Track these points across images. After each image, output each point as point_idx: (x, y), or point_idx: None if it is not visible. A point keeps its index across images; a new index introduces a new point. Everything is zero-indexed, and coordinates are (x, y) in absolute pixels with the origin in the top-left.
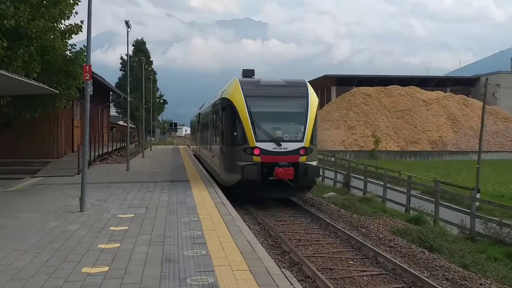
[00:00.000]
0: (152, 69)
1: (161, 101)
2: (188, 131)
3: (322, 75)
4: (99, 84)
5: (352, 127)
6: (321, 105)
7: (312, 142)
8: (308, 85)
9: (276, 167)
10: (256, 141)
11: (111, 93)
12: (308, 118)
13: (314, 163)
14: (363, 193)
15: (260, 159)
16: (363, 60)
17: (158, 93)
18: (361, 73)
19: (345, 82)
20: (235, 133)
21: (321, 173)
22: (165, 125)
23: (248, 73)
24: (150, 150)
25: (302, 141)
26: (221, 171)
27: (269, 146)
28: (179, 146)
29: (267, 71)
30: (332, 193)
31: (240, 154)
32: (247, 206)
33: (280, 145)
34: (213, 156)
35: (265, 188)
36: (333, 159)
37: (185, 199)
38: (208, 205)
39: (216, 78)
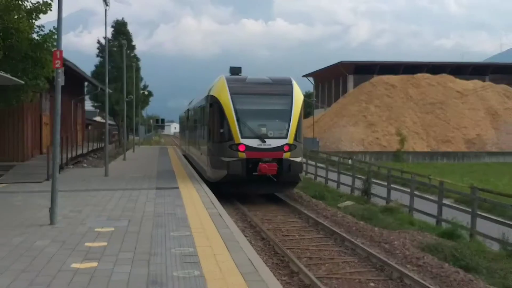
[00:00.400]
0: (135, 55)
1: (146, 93)
2: (178, 129)
3: (337, 62)
4: (72, 73)
5: (373, 124)
6: (335, 97)
7: (296, 138)
8: (294, 83)
9: (260, 163)
10: (241, 138)
11: (86, 83)
12: (292, 115)
13: (298, 159)
14: (386, 202)
15: (245, 155)
16: (386, 43)
17: (142, 83)
18: (384, 59)
19: (365, 70)
20: (221, 130)
21: (330, 176)
22: (151, 122)
23: (235, 70)
24: (133, 151)
25: (286, 138)
26: (207, 168)
27: (254, 143)
28: (167, 147)
29: (271, 57)
30: (349, 202)
31: (225, 150)
32: (248, 218)
33: (265, 141)
34: (201, 154)
35: (250, 184)
36: (350, 161)
37: (175, 210)
38: (202, 217)
39: (211, 65)
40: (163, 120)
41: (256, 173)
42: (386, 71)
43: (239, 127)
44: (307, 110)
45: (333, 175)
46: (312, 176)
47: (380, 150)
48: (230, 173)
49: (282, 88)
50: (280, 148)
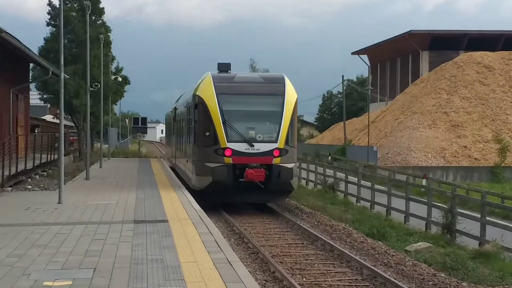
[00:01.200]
0: (104, 23)
1: (120, 79)
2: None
3: (404, 32)
4: (10, 50)
5: (459, 125)
6: (401, 84)
7: (288, 142)
8: (287, 81)
9: (247, 168)
10: (227, 142)
11: (31, 65)
12: (283, 117)
13: (290, 165)
14: (480, 244)
15: (231, 160)
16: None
17: (115, 65)
18: (475, 28)
19: (446, 44)
20: (206, 133)
21: (394, 204)
22: (127, 122)
23: (223, 67)
24: (100, 166)
25: (276, 142)
26: (192, 175)
27: (241, 147)
28: (151, 159)
29: (301, 26)
30: (422, 244)
31: (210, 155)
32: (271, 266)
33: (253, 145)
34: (186, 161)
35: (237, 192)
36: (424, 182)
37: (162, 254)
38: (203, 265)
39: (213, 37)
40: (144, 120)
41: (243, 180)
42: (479, 45)
43: (225, 130)
44: (360, 104)
45: (398, 202)
46: (367, 204)
47: (470, 164)
48: (215, 180)
49: (273, 87)
50: (269, 153)
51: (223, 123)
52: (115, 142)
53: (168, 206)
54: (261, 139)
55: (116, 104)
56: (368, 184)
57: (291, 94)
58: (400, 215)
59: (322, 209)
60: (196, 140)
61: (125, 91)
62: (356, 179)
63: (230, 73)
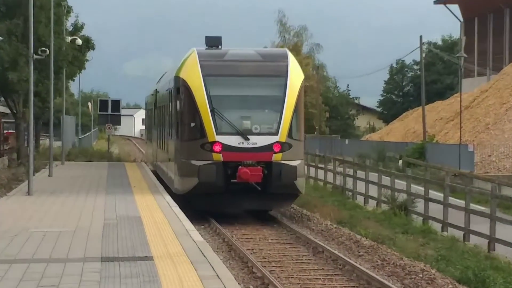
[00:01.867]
0: None
1: (80, 42)
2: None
3: None
4: None
5: None
6: (480, 60)
7: (292, 135)
8: (290, 58)
9: (240, 166)
10: (216, 134)
11: None
12: (285, 103)
13: (295, 162)
14: None
15: (221, 157)
16: None
17: (72, 21)
18: None
19: None
20: (191, 124)
21: (501, 235)
22: (90, 107)
23: (213, 41)
24: (50, 175)
25: (277, 134)
26: (174, 176)
27: (234, 141)
28: (127, 163)
29: None
30: None
31: (196, 151)
32: None
33: (248, 139)
34: (168, 160)
35: (229, 196)
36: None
37: None
38: None
39: None
40: (117, 104)
41: (235, 180)
42: None
43: (213, 120)
44: (447, 80)
45: (507, 231)
46: (459, 234)
47: None
48: (202, 181)
49: (273, 66)
50: (268, 148)
51: (211, 111)
52: (72, 137)
53: (152, 234)
54: (258, 130)
55: (74, 80)
56: (461, 203)
57: (295, 75)
58: (509, 250)
59: (389, 240)
60: (179, 133)
61: (87, 60)
62: (442, 195)
63: (220, 48)
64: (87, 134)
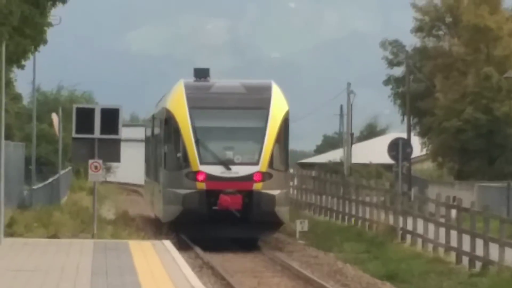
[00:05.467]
0: None
1: None
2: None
3: None
4: None
5: None
6: None
7: (273, 165)
8: (274, 90)
9: (221, 194)
10: (200, 164)
11: None
12: (267, 134)
13: (276, 192)
14: None
15: (204, 186)
16: None
17: None
18: None
19: None
20: (177, 154)
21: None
22: (56, 123)
23: (201, 73)
24: None
25: (258, 164)
26: (159, 203)
27: (217, 170)
28: (130, 244)
29: None
30: None
31: (181, 180)
32: None
33: (230, 168)
34: (156, 189)
35: (212, 223)
36: None
37: None
38: None
39: None
40: (112, 117)
41: (216, 208)
42: None
43: (197, 150)
44: None
45: None
46: None
47: None
48: (186, 209)
49: (256, 99)
50: (249, 177)
51: (195, 142)
52: (19, 187)
53: None
54: (240, 161)
55: (23, 67)
56: None
57: (278, 107)
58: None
59: None
60: (165, 162)
61: (50, 25)
62: None
63: (208, 80)
64: (50, 179)
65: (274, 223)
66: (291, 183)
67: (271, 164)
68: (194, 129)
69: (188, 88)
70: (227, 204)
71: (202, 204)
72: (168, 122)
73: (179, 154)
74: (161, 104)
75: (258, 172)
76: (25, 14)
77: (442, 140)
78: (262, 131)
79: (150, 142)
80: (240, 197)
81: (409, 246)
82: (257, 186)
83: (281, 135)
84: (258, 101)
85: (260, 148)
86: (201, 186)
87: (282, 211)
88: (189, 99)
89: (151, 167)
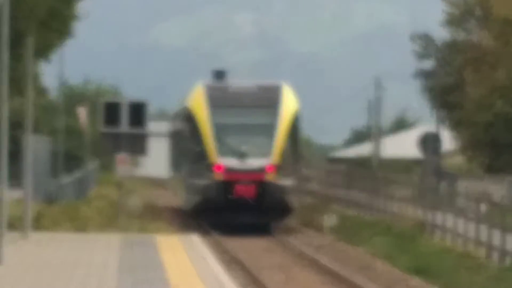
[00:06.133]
0: None
1: None
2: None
3: None
4: None
5: None
6: None
7: (284, 158)
8: (284, 89)
9: (237, 184)
10: (218, 157)
11: None
12: (278, 130)
13: (286, 182)
14: None
15: (222, 176)
16: None
17: None
18: None
19: None
20: (197, 148)
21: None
22: (83, 117)
23: (218, 75)
24: None
25: (270, 157)
26: (182, 193)
27: (233, 163)
28: (158, 238)
29: None
30: None
31: (200, 171)
32: None
33: (245, 161)
34: (180, 180)
35: (229, 210)
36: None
37: None
38: None
39: None
40: (139, 112)
41: (232, 196)
42: None
43: (216, 145)
44: None
45: None
46: None
47: None
48: (205, 198)
49: (268, 98)
50: (262, 169)
51: (213, 137)
52: (46, 181)
53: None
54: (253, 154)
55: (50, 61)
56: None
57: (289, 105)
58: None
59: None
60: (186, 155)
61: (76, 18)
62: None
63: (225, 82)
64: (78, 174)
65: (284, 210)
66: (318, 178)
67: (282, 157)
68: (213, 126)
69: (208, 89)
70: (242, 193)
71: (219, 193)
72: (190, 119)
73: (199, 148)
74: (183, 103)
75: (270, 164)
76: (52, 7)
77: (472, 134)
78: (273, 127)
79: (174, 137)
80: (254, 187)
81: (438, 241)
82: (269, 177)
83: (292, 131)
84: (270, 100)
85: (271, 142)
86: (219, 177)
87: (292, 200)
88: (208, 99)
89: (175, 160)
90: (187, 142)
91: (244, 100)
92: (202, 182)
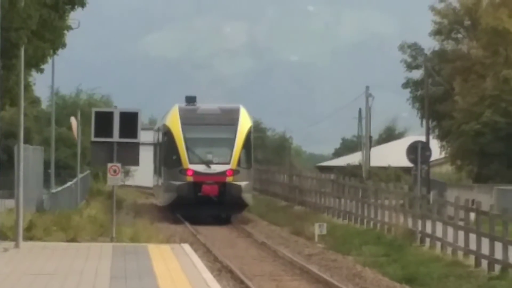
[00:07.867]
0: None
1: None
2: None
3: None
4: None
5: None
6: None
7: (240, 164)
8: (242, 111)
9: (204, 185)
10: (189, 163)
11: None
12: (235, 143)
13: (241, 183)
14: None
15: (192, 178)
16: None
17: None
18: None
19: None
20: (173, 157)
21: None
22: (74, 127)
23: (190, 100)
24: None
25: (229, 164)
26: (160, 192)
27: (201, 168)
28: (149, 247)
29: None
30: None
31: (175, 174)
32: None
33: (210, 167)
34: (158, 182)
35: (197, 205)
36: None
37: None
38: None
39: None
40: (131, 121)
41: (200, 194)
42: None
43: (187, 154)
44: None
45: None
46: None
47: None
48: (179, 195)
49: (229, 118)
50: (223, 173)
51: (186, 148)
52: (38, 191)
53: None
54: (217, 161)
55: (42, 71)
56: None
57: (245, 123)
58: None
59: None
60: (165, 162)
61: (69, 29)
62: None
63: (195, 105)
64: (69, 183)
65: (241, 205)
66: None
67: (238, 163)
68: (185, 139)
69: (181, 110)
70: (208, 192)
71: (190, 192)
72: (167, 133)
73: (175, 157)
74: (162, 121)
75: (229, 169)
76: (44, 17)
77: (461, 143)
78: (232, 141)
79: (155, 147)
80: (217, 187)
81: (428, 250)
82: (229, 179)
83: (246, 143)
84: (230, 119)
85: (231, 152)
86: (190, 179)
87: (247, 197)
88: (182, 118)
89: (156, 166)
90: (165, 151)
91: (209, 120)
92: (176, 183)
